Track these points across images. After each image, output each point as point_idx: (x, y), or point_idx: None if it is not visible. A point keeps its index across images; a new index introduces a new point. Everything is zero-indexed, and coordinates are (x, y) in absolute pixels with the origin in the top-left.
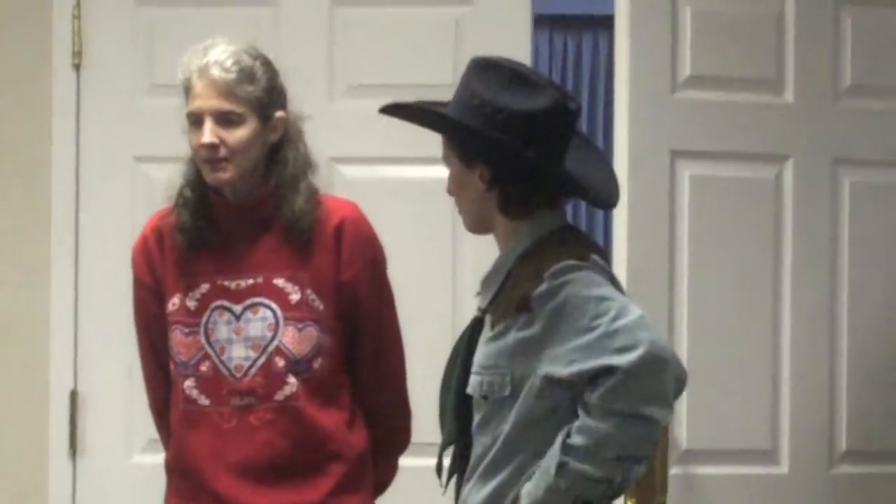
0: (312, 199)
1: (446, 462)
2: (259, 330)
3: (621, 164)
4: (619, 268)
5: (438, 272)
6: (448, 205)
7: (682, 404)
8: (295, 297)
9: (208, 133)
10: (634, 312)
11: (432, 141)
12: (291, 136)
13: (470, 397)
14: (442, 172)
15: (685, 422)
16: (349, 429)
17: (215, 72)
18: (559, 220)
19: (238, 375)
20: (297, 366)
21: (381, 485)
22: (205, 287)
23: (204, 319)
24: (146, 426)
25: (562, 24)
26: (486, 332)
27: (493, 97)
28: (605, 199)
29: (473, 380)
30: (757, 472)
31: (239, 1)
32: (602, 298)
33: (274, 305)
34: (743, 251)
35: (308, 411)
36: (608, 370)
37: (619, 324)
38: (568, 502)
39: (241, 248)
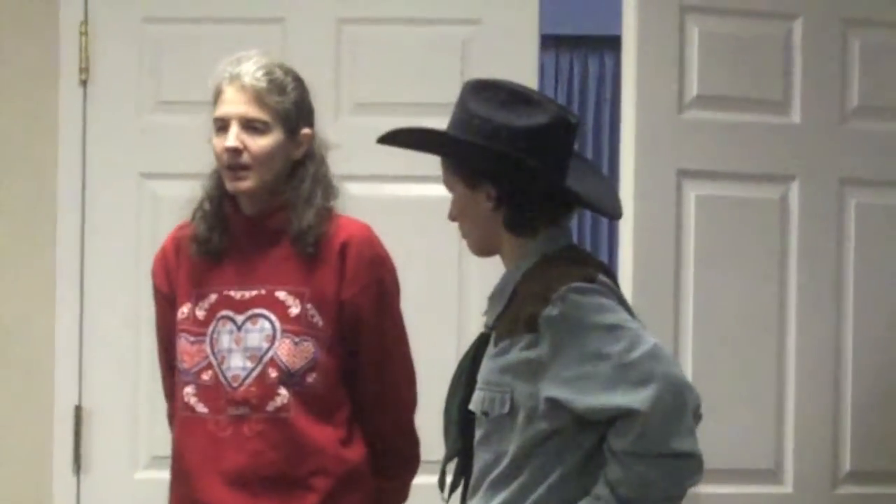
0: (323, 215)
1: (449, 477)
2: (257, 341)
3: (627, 184)
4: (625, 286)
5: (444, 290)
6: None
7: None
8: (294, 310)
9: (233, 137)
10: (647, 342)
11: (437, 158)
12: (315, 155)
13: (473, 413)
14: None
15: None
16: (343, 445)
17: (246, 79)
18: (565, 238)
19: (234, 385)
20: (290, 378)
21: None
22: (213, 297)
23: (210, 329)
24: (150, 442)
25: (568, 44)
26: (491, 348)
27: (492, 116)
28: (611, 210)
29: (476, 396)
30: (761, 492)
31: (246, 18)
32: (613, 326)
33: (273, 317)
34: (749, 271)
35: (298, 424)
36: (627, 413)
37: (632, 356)
38: None
39: (251, 260)
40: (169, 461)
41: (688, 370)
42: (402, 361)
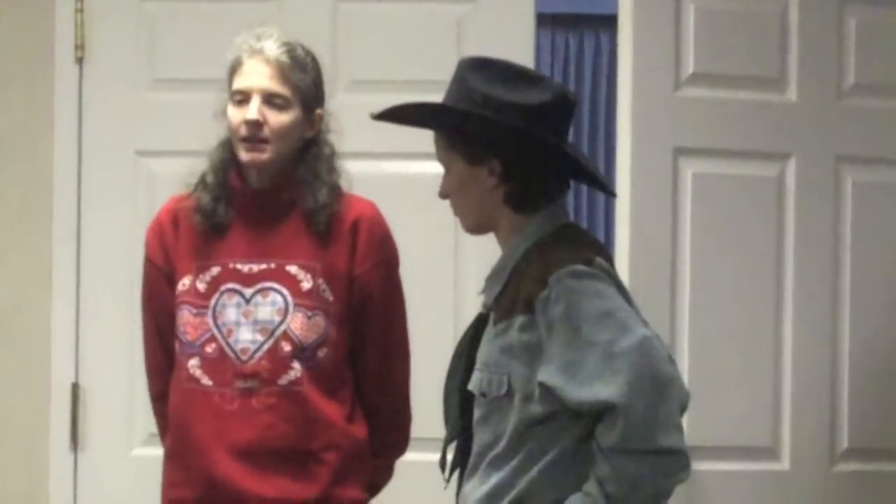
0: (335, 193)
1: (449, 457)
2: (268, 314)
3: (624, 162)
4: (621, 265)
5: (441, 268)
6: None
7: None
8: (306, 284)
9: (254, 110)
10: (635, 334)
11: (433, 134)
12: (325, 135)
13: (472, 393)
14: None
15: (687, 418)
16: (349, 422)
17: (270, 53)
18: (563, 217)
19: (244, 358)
20: (302, 352)
21: (375, 486)
22: (216, 270)
23: (213, 302)
24: (147, 419)
25: (564, 22)
26: (490, 329)
27: (496, 92)
28: (612, 185)
29: (475, 376)
30: (758, 469)
31: None
32: (604, 314)
33: (285, 291)
34: (745, 249)
35: (311, 397)
36: (606, 406)
37: (617, 347)
38: None
39: (258, 234)
40: None
41: (684, 348)
42: (402, 339)
